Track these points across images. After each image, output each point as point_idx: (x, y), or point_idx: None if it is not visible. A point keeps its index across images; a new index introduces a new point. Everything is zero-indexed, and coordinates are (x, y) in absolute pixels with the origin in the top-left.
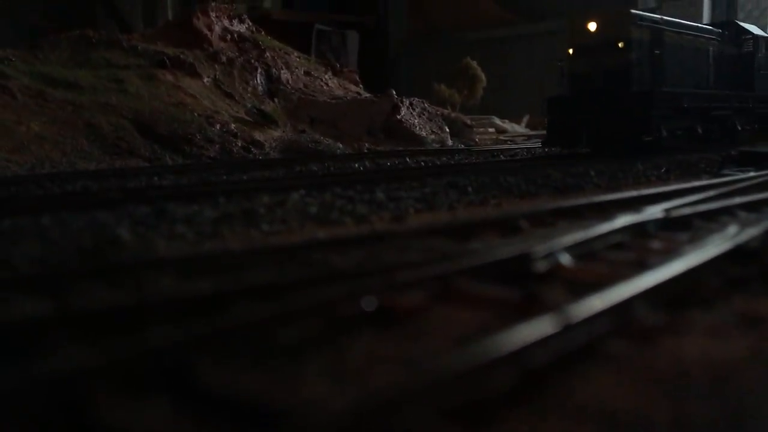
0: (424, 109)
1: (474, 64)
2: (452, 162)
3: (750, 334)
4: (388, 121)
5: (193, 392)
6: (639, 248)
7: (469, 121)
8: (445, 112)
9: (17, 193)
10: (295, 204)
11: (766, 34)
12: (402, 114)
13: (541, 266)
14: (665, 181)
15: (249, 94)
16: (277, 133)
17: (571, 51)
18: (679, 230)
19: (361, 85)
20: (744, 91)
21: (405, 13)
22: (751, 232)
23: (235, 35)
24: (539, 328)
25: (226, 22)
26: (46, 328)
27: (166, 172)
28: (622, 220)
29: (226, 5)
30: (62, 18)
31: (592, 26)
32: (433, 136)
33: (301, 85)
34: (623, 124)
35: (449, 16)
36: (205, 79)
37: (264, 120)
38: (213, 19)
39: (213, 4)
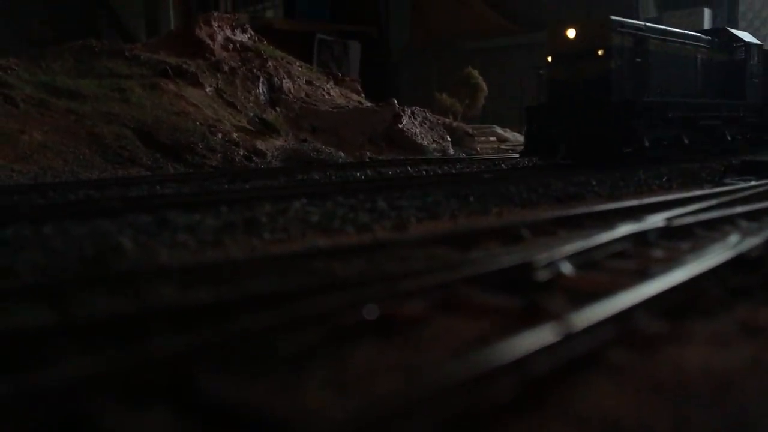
0: (425, 118)
1: (475, 73)
2: (454, 171)
3: (751, 344)
4: (390, 130)
5: (194, 402)
6: (640, 257)
7: (470, 130)
8: (447, 121)
9: (20, 202)
10: (297, 212)
11: (758, 42)
12: (404, 123)
13: (543, 275)
14: (667, 190)
15: (251, 103)
16: (278, 142)
17: (550, 58)
18: (681, 239)
19: (362, 94)
20: (735, 100)
21: (407, 22)
22: (753, 241)
23: (238, 45)
24: (541, 337)
25: (228, 32)
26: (47, 336)
27: (168, 180)
28: (624, 229)
29: (228, 15)
30: (65, 28)
31: (571, 33)
32: (434, 145)
33: (303, 94)
34: (602, 134)
35: (450, 25)
36: (208, 89)
37: (266, 129)
38: (215, 28)
39: (215, 13)
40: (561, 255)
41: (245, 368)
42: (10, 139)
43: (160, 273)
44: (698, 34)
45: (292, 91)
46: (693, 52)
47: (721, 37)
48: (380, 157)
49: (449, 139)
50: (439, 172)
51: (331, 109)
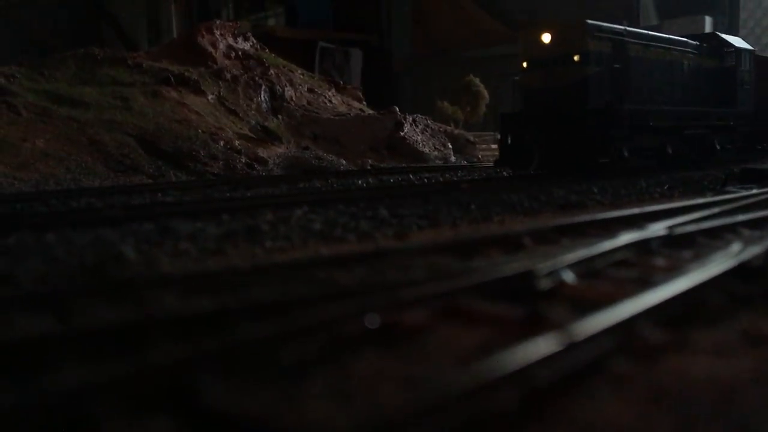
0: (427, 125)
1: (477, 81)
2: (455, 178)
3: (754, 353)
4: (392, 137)
5: (195, 411)
6: (643, 265)
7: (471, 138)
8: (448, 128)
9: (22, 210)
10: (299, 221)
11: (749, 47)
12: (405, 131)
13: (545, 284)
14: (669, 198)
15: (253, 111)
16: (280, 150)
17: (525, 64)
18: (683, 247)
19: (364, 102)
20: (725, 108)
21: (408, 31)
22: (755, 249)
23: (240, 53)
24: (543, 346)
25: (230, 40)
26: (49, 345)
27: (170, 188)
28: (626, 238)
29: (230, 23)
30: (68, 36)
31: (546, 38)
32: (436, 153)
33: (305, 102)
34: (578, 143)
35: (452, 33)
36: (210, 96)
37: (268, 137)
38: (217, 36)
39: (217, 21)
40: (563, 263)
41: (246, 377)
42: (12, 146)
43: (162, 281)
44: (685, 40)
45: (293, 98)
46: (679, 58)
47: (710, 43)
48: (382, 165)
49: (451, 146)
50: (441, 179)
51: (332, 117)
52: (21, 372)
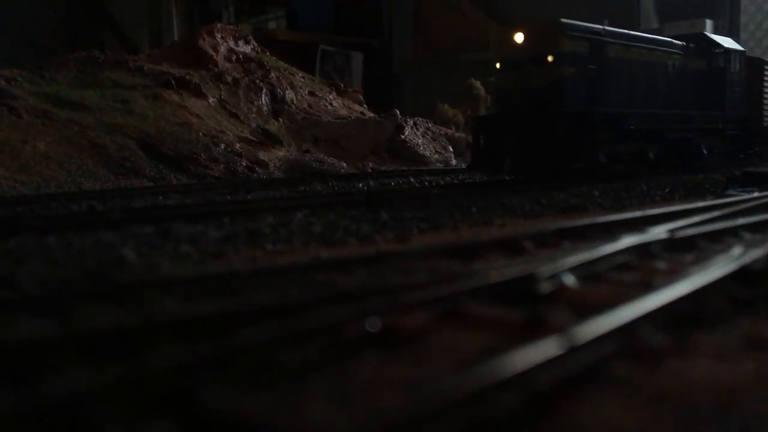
0: (427, 128)
1: (477, 84)
2: (456, 181)
3: (755, 357)
4: (392, 140)
5: (196, 415)
6: (644, 269)
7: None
8: (449, 131)
9: (23, 213)
10: (300, 224)
11: (740, 48)
12: (406, 134)
13: (546, 287)
14: (670, 201)
15: (254, 114)
16: (281, 153)
17: (498, 65)
18: (684, 251)
19: (365, 105)
20: (713, 111)
21: (409, 34)
22: (756, 253)
23: (241, 56)
24: (544, 350)
25: (231, 43)
26: (49, 349)
27: (170, 191)
28: (627, 241)
29: (231, 26)
30: (69, 39)
31: (519, 38)
32: (436, 156)
33: (306, 105)
34: (551, 148)
35: (452, 37)
36: (210, 99)
37: (268, 140)
38: (218, 39)
39: (218, 25)
40: (564, 267)
41: (247, 381)
42: (13, 149)
43: (163, 285)
44: (670, 40)
45: (294, 101)
46: (663, 59)
47: (698, 43)
48: (383, 168)
49: (451, 149)
50: (441, 182)
51: (333, 120)
52: (21, 376)
